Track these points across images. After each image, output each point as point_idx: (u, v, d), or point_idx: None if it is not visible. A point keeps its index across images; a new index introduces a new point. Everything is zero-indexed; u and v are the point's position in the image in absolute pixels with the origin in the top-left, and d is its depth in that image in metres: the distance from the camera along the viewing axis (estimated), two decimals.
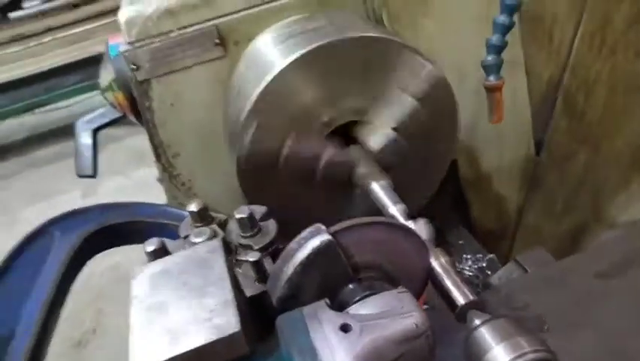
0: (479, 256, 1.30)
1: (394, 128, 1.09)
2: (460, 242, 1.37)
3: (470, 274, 1.29)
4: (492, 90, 0.91)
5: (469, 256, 1.32)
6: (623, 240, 1.10)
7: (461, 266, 1.26)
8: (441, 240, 1.14)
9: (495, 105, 0.92)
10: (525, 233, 1.65)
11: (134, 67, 1.20)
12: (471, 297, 0.72)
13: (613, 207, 1.62)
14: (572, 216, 1.64)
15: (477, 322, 0.67)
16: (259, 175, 1.11)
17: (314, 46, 1.02)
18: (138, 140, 4.38)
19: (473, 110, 1.34)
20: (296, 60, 1.03)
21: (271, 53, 1.14)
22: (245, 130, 1.05)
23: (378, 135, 1.08)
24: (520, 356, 0.60)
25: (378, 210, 1.00)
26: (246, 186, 1.13)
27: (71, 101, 4.52)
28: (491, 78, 0.91)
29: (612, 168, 1.57)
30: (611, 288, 0.98)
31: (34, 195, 3.99)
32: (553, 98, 1.47)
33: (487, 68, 0.91)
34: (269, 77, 1.03)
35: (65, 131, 4.62)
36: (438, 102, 1.12)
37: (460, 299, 0.72)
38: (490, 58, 0.89)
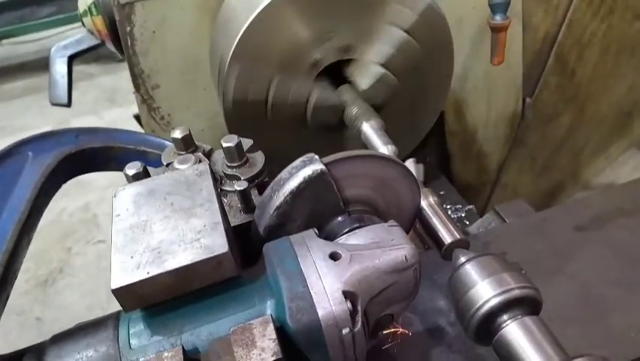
0: (459, 206, 1.31)
1: (383, 65, 1.05)
2: (441, 192, 1.37)
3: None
4: (497, 30, 0.89)
5: (448, 206, 1.33)
6: (601, 198, 1.12)
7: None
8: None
9: (498, 46, 0.90)
10: (502, 190, 1.68)
11: None
12: (458, 236, 0.72)
13: (590, 169, 1.65)
14: (550, 176, 1.67)
15: (463, 259, 0.67)
16: (247, 122, 1.07)
17: None
18: (111, 79, 4.25)
19: (467, 61, 1.32)
20: None
21: None
22: (229, 77, 1.01)
23: (367, 73, 1.05)
24: (505, 292, 0.61)
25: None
26: (234, 132, 1.09)
27: (44, 33, 4.31)
28: (497, 17, 0.88)
29: (594, 130, 1.59)
30: (588, 240, 1.00)
31: (1, 130, 3.84)
32: (545, 57, 1.46)
33: (495, 7, 0.88)
34: (254, 14, 0.98)
35: (37, 65, 4.43)
36: (430, 34, 1.08)
37: (447, 238, 0.72)
38: None
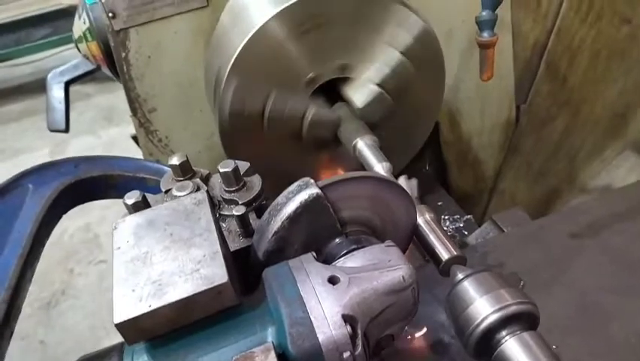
0: (457, 216, 1.32)
1: (379, 85, 1.07)
2: (439, 203, 1.38)
3: (448, 234, 1.31)
4: (485, 47, 0.90)
5: (447, 217, 1.34)
6: (597, 204, 1.13)
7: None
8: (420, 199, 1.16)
9: (487, 62, 0.92)
10: (500, 197, 1.69)
11: (112, 15, 1.13)
12: (455, 252, 0.73)
13: (586, 173, 1.66)
14: (546, 181, 1.68)
15: (460, 275, 0.68)
16: (242, 136, 1.08)
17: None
18: (107, 98, 4.27)
19: (458, 72, 1.34)
20: (280, 13, 0.99)
21: (255, 4, 1.09)
22: (226, 90, 1.01)
23: (362, 92, 1.07)
24: (503, 308, 0.62)
25: (364, 168, 0.99)
26: (229, 147, 1.10)
27: (40, 55, 4.34)
28: (485, 34, 0.89)
29: (588, 134, 1.61)
30: (584, 247, 1.01)
31: None
32: (536, 65, 1.47)
33: (482, 24, 0.89)
34: (251, 32, 0.99)
35: (33, 87, 4.45)
36: (424, 56, 1.10)
37: (444, 254, 0.73)
38: (484, 13, 0.88)
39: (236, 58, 0.99)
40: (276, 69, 1.03)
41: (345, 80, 1.10)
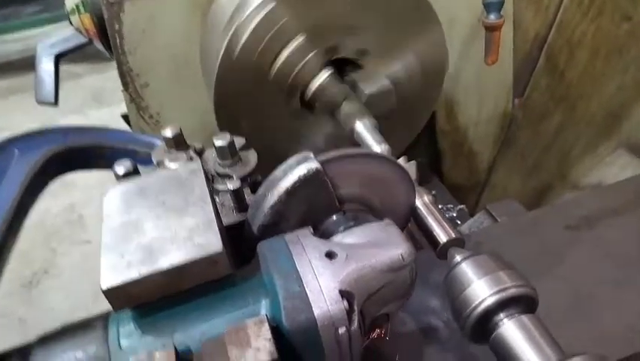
0: (450, 206, 1.31)
1: (390, 80, 1.06)
2: (432, 192, 1.37)
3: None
4: (491, 29, 0.89)
5: (440, 206, 1.32)
6: (591, 197, 1.13)
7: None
8: None
9: (492, 45, 0.90)
10: (492, 190, 1.68)
11: None
12: (453, 235, 0.72)
13: (579, 169, 1.67)
14: (539, 176, 1.68)
15: (458, 258, 0.67)
16: (242, 84, 1.03)
17: None
18: (97, 79, 4.20)
19: (458, 62, 1.33)
20: None
21: None
22: (248, 21, 0.95)
23: (374, 82, 1.06)
24: (501, 291, 0.61)
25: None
26: (223, 99, 1.05)
27: (29, 32, 4.25)
28: (492, 17, 0.88)
29: (583, 131, 1.61)
30: (579, 240, 1.00)
31: None
32: (535, 58, 1.47)
33: (489, 6, 0.88)
34: None
35: (21, 64, 4.35)
36: (433, 71, 1.13)
37: (443, 237, 0.72)
38: None
39: None
40: (308, 19, 1.00)
41: (356, 67, 1.08)
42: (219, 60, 0.97)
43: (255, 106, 1.06)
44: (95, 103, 4.00)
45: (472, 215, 1.35)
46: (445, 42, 1.07)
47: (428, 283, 0.92)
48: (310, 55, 1.01)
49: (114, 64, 1.25)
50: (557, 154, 1.62)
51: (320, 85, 1.03)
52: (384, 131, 1.02)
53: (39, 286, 2.66)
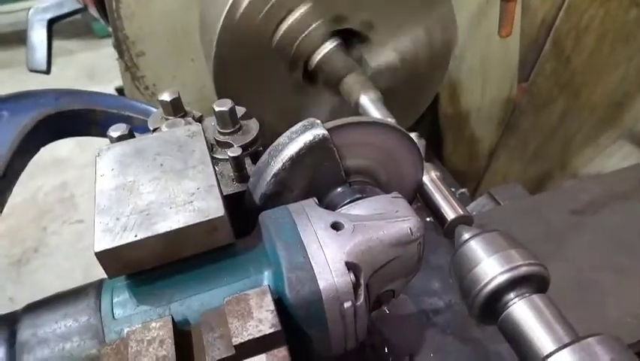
0: (452, 189, 1.28)
1: (398, 54, 1.03)
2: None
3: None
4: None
5: None
6: (597, 182, 1.11)
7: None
8: None
9: (507, 17, 0.87)
10: (492, 175, 1.66)
11: None
12: (461, 212, 0.69)
13: (580, 158, 1.64)
14: (540, 163, 1.66)
15: (467, 235, 0.64)
16: (243, 51, 0.99)
17: None
18: (90, 56, 4.11)
19: (464, 42, 1.29)
20: None
21: None
22: None
23: (381, 55, 1.02)
24: (513, 269, 0.58)
25: None
26: (223, 68, 1.00)
27: (20, 5, 4.13)
28: None
29: (586, 119, 1.58)
30: (583, 224, 0.98)
31: None
32: (542, 43, 1.44)
33: None
34: None
35: (11, 37, 4.25)
36: (441, 47, 1.10)
37: (450, 213, 0.69)
38: None
39: None
40: None
41: (362, 40, 1.05)
42: (220, 24, 0.93)
43: (256, 76, 1.02)
44: (88, 80, 3.92)
45: (472, 199, 1.33)
46: (454, 17, 1.03)
47: (430, 265, 0.90)
48: (316, 23, 0.97)
49: (109, 41, 1.20)
50: (559, 142, 1.60)
51: (324, 55, 0.99)
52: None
53: (29, 264, 2.61)
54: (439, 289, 0.89)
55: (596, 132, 1.62)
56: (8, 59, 4.14)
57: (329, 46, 0.98)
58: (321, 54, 0.99)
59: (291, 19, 0.94)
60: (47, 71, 1.37)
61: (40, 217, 2.87)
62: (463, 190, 1.27)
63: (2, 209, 0.69)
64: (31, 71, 1.36)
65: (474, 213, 1.14)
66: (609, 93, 1.55)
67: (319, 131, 0.60)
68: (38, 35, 1.37)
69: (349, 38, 1.04)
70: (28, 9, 3.82)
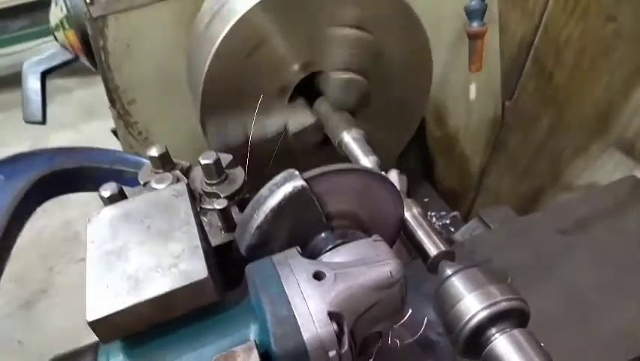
0: (443, 213, 1.31)
1: (345, 69, 1.03)
2: (425, 200, 1.37)
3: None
4: (475, 37, 0.89)
5: (433, 213, 1.33)
6: (584, 200, 1.13)
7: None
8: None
9: (476, 53, 0.90)
10: (485, 194, 1.68)
11: (89, 1, 1.09)
12: (443, 247, 0.72)
13: (571, 170, 1.66)
14: (532, 179, 1.68)
15: (449, 272, 0.66)
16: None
17: None
18: (88, 92, 4.17)
19: (445, 67, 1.32)
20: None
21: None
22: (208, 131, 1.01)
23: (332, 82, 1.03)
24: (492, 305, 0.60)
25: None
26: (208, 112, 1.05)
27: (17, 47, 4.22)
28: (475, 24, 0.88)
29: (574, 132, 1.60)
30: (572, 244, 1.00)
31: None
32: (523, 61, 1.47)
33: (471, 13, 0.88)
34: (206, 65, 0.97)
35: (10, 80, 4.32)
36: (383, 16, 1.03)
37: (433, 250, 0.71)
38: (474, 2, 0.86)
39: (202, 95, 0.97)
40: (243, 92, 1.00)
41: (315, 74, 1.07)
42: (205, 72, 0.98)
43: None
44: (86, 116, 3.98)
45: (466, 219, 1.35)
46: (421, 23, 1.02)
47: (423, 294, 0.92)
48: (267, 120, 1.02)
49: None
50: (549, 156, 1.62)
51: (293, 130, 1.04)
52: (375, 140, 1.02)
53: (37, 306, 2.63)
54: (434, 318, 0.90)
55: (585, 144, 1.64)
56: (7, 101, 4.21)
57: (291, 118, 1.03)
58: (291, 130, 1.04)
59: (250, 131, 1.00)
60: (43, 122, 1.41)
61: (45, 258, 2.89)
62: (454, 213, 1.29)
63: (2, 272, 0.72)
64: (27, 122, 1.40)
65: (465, 237, 1.16)
66: (594, 105, 1.57)
67: (298, 182, 0.63)
68: (33, 87, 1.41)
69: (311, 82, 1.07)
70: (24, 51, 3.88)
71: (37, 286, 2.72)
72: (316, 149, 1.10)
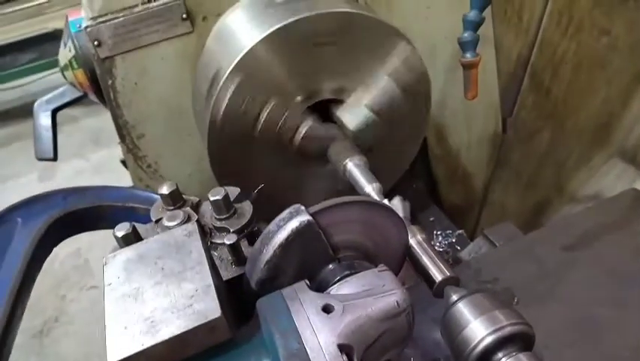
0: (449, 232, 1.32)
1: (372, 109, 1.08)
2: (431, 219, 1.39)
3: (441, 249, 1.32)
4: (468, 67, 0.92)
5: (439, 232, 1.34)
6: (587, 215, 1.14)
7: (432, 243, 1.28)
8: (411, 217, 1.16)
9: (471, 82, 0.93)
10: (490, 208, 1.70)
11: (97, 43, 1.14)
12: (448, 273, 0.73)
13: (575, 182, 1.67)
14: (536, 192, 1.69)
15: (454, 297, 0.68)
16: (232, 143, 1.07)
17: (289, 21, 0.99)
18: (95, 120, 4.24)
19: (444, 88, 1.35)
20: (275, 32, 0.99)
21: (244, 27, 1.10)
22: (225, 89, 1.00)
23: (355, 115, 1.08)
24: (498, 330, 0.62)
25: (350, 187, 0.99)
26: (217, 159, 1.09)
27: (26, 80, 4.32)
28: (468, 55, 0.91)
29: (575, 144, 1.62)
30: (577, 260, 1.01)
31: None
32: (520, 78, 1.50)
33: (464, 45, 0.91)
34: (251, 44, 1.00)
35: (20, 111, 4.42)
36: (415, 90, 1.14)
37: (438, 276, 0.73)
38: (466, 34, 0.89)
39: (238, 63, 0.99)
40: (277, 79, 1.03)
41: (337, 103, 1.11)
42: (207, 130, 1.02)
43: (249, 162, 1.09)
44: (94, 145, 4.05)
45: (472, 235, 1.37)
46: (415, 52, 1.07)
47: (431, 317, 0.93)
48: (289, 109, 1.04)
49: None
50: (552, 169, 1.64)
51: (305, 134, 1.05)
52: (379, 162, 1.05)
53: (50, 335, 2.66)
54: (442, 341, 0.92)
55: (587, 155, 1.65)
56: (18, 132, 4.29)
57: (307, 124, 1.05)
58: (302, 133, 1.05)
59: (265, 113, 1.02)
60: (54, 158, 1.45)
61: (57, 286, 2.92)
62: (460, 232, 1.30)
63: (22, 314, 0.74)
64: (40, 160, 1.44)
65: (471, 255, 1.17)
66: (594, 116, 1.59)
67: (304, 217, 0.66)
68: (44, 125, 1.46)
69: (327, 105, 1.11)
70: (33, 83, 3.95)
71: (49, 315, 2.75)
72: (311, 160, 1.14)
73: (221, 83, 0.99)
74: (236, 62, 0.98)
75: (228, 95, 1.00)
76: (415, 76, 1.12)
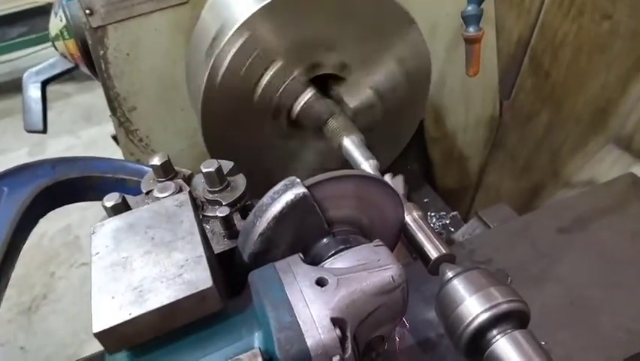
0: (443, 213, 1.32)
1: (377, 93, 1.07)
2: (425, 200, 1.38)
3: (435, 231, 1.31)
4: (471, 42, 0.89)
5: (433, 214, 1.34)
6: (582, 199, 1.14)
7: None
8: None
9: (473, 57, 0.91)
10: (485, 191, 1.69)
11: (89, 12, 1.10)
12: (443, 250, 0.72)
13: (570, 167, 1.67)
14: (531, 175, 1.69)
15: (450, 274, 0.67)
16: (227, 109, 1.04)
17: None
18: (87, 97, 4.19)
19: (443, 68, 1.33)
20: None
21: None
22: (230, 45, 0.96)
23: (358, 94, 1.06)
24: (493, 307, 0.61)
25: (344, 163, 0.98)
26: (210, 122, 1.05)
27: (16, 54, 4.23)
28: (471, 29, 0.88)
29: (571, 128, 1.61)
30: (571, 242, 1.01)
31: None
32: (520, 60, 1.48)
33: (467, 19, 0.88)
34: (259, 5, 0.96)
35: (9, 86, 4.34)
36: (417, 75, 1.12)
37: (433, 253, 0.72)
38: (470, 8, 0.87)
39: (250, 16, 0.95)
40: (281, 44, 1.00)
41: (338, 80, 1.09)
42: (203, 88, 0.98)
43: (243, 129, 1.06)
44: (85, 122, 3.99)
45: (466, 218, 1.36)
46: (424, 41, 1.06)
47: (424, 295, 0.93)
48: (291, 76, 1.01)
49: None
50: (547, 153, 1.63)
51: (304, 104, 1.03)
52: (374, 142, 1.03)
53: (39, 311, 2.64)
54: (435, 320, 0.91)
55: (584, 140, 1.65)
56: (8, 108, 4.22)
57: (307, 94, 1.03)
58: (301, 103, 1.03)
59: (267, 77, 0.99)
60: (44, 131, 1.42)
61: (47, 263, 2.90)
62: (454, 213, 1.30)
63: (6, 286, 0.73)
64: (28, 131, 1.41)
65: (465, 237, 1.17)
66: (592, 101, 1.59)
67: (299, 190, 0.64)
68: (33, 97, 1.42)
69: (326, 81, 1.08)
70: (23, 58, 3.88)
71: (38, 292, 2.74)
72: (305, 133, 1.12)
73: (225, 39, 0.96)
74: (244, 19, 0.95)
75: (232, 52, 0.96)
76: (420, 63, 1.11)
